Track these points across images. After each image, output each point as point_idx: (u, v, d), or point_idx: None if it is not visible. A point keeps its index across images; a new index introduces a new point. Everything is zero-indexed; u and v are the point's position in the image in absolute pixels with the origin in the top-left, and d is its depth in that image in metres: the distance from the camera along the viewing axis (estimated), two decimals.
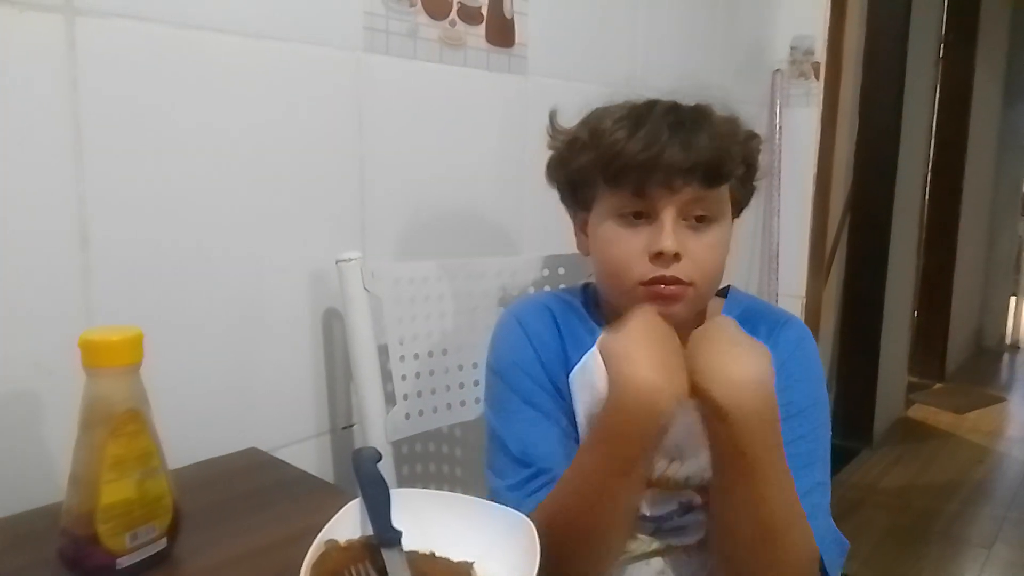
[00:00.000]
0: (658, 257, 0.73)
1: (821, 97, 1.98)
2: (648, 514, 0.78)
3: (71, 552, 0.61)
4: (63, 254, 0.79)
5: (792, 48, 1.97)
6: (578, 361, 0.80)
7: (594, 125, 0.77)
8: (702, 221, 0.75)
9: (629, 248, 0.75)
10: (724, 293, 0.89)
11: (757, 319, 0.84)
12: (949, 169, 3.54)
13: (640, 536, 0.78)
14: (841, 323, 2.31)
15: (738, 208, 0.82)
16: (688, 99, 0.78)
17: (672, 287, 0.74)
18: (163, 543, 0.63)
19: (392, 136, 1.08)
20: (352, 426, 1.06)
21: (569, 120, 0.83)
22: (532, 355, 0.81)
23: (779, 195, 1.93)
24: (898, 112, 2.45)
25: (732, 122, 0.79)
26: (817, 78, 1.97)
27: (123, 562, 0.61)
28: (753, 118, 1.88)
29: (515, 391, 0.81)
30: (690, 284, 0.74)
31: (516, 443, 0.78)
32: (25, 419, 0.77)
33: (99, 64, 0.79)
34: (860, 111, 2.18)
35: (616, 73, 1.44)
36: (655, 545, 0.78)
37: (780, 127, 1.94)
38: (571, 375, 0.80)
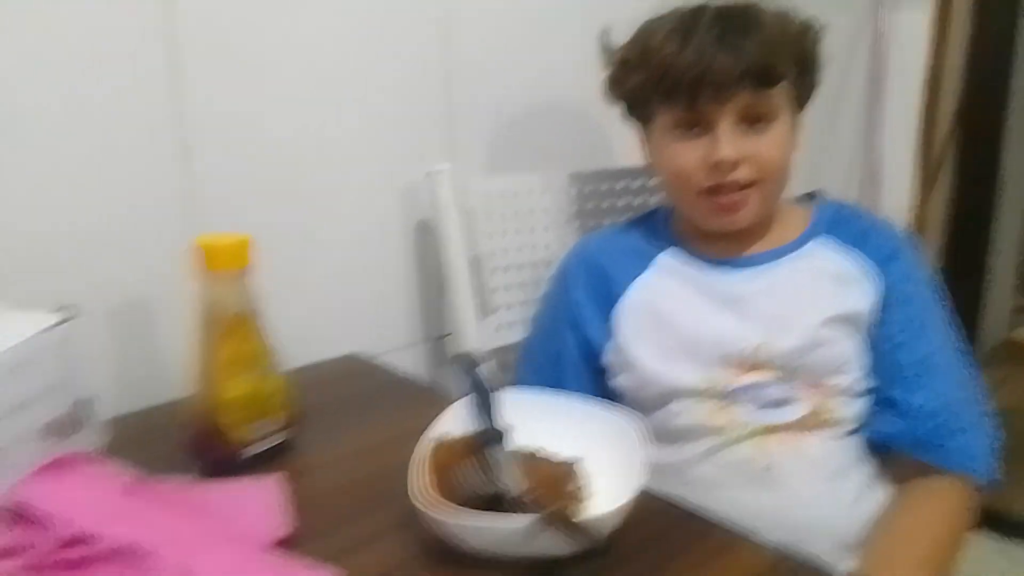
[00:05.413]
0: (716, 167, 0.75)
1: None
2: (740, 384, 0.77)
3: (197, 444, 0.65)
4: (167, 169, 0.81)
5: None
6: (628, 288, 0.84)
7: (643, 43, 0.79)
8: (760, 122, 0.76)
9: (688, 160, 0.77)
10: (812, 199, 0.88)
11: (848, 223, 0.83)
12: None
13: (736, 417, 0.76)
14: (946, 242, 2.19)
15: (801, 102, 0.82)
16: None
17: (733, 195, 0.77)
18: (280, 436, 0.67)
19: (478, 45, 1.06)
20: (445, 336, 1.08)
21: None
22: (564, 310, 0.87)
23: (883, 106, 1.81)
24: (1014, 14, 2.25)
25: (782, 19, 0.78)
26: None
27: (245, 453, 0.64)
28: (856, 23, 1.77)
29: (542, 326, 0.91)
30: (752, 186, 0.76)
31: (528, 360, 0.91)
32: (141, 325, 0.81)
33: None
34: (974, 15, 2.01)
35: None
36: (752, 427, 0.76)
37: (886, 33, 1.81)
38: (617, 308, 0.84)
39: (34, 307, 0.62)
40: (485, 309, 0.99)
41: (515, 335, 1.01)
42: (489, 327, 0.99)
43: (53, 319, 0.60)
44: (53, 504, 0.53)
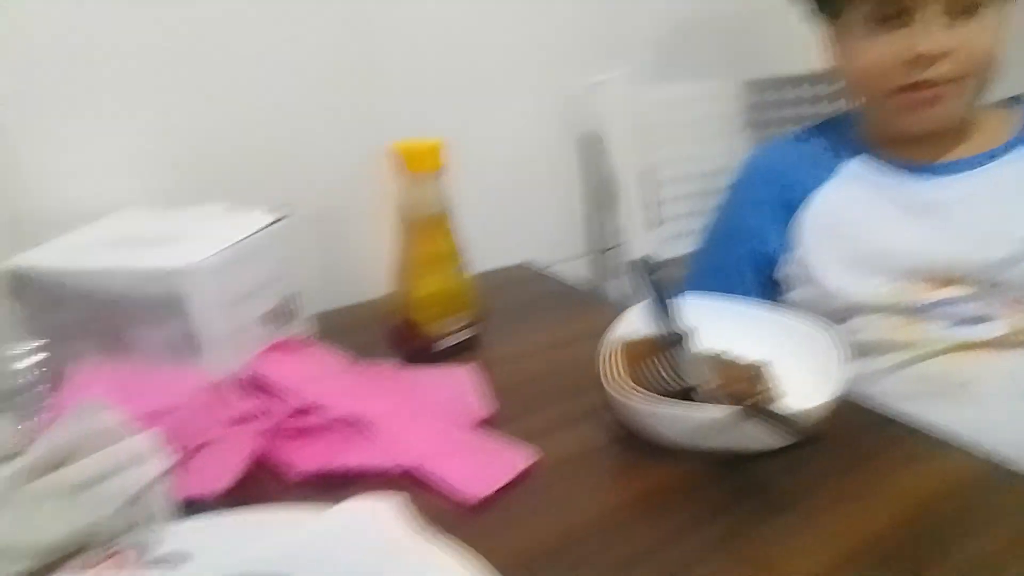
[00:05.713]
0: (916, 61, 0.70)
1: None
2: (932, 300, 0.73)
3: (395, 337, 0.70)
4: (355, 83, 0.85)
5: None
6: (810, 197, 0.81)
7: None
8: (967, 11, 0.69)
9: (883, 55, 0.72)
10: (1018, 102, 0.80)
11: None
12: None
13: (926, 334, 0.72)
14: None
15: None
16: None
17: (930, 91, 0.71)
18: (469, 332, 0.71)
19: None
20: (611, 249, 1.09)
21: None
22: (739, 220, 0.86)
23: None
24: None
25: None
26: None
27: (438, 346, 0.69)
28: None
29: (715, 237, 0.90)
30: (954, 81, 0.71)
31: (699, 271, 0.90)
32: (340, 227, 0.87)
33: None
34: None
35: None
36: (945, 343, 0.72)
37: None
38: (797, 218, 0.81)
39: (253, 208, 0.68)
40: (653, 221, 0.99)
41: (684, 247, 1.00)
42: (657, 239, 0.98)
43: (271, 217, 0.66)
44: (284, 377, 0.59)
